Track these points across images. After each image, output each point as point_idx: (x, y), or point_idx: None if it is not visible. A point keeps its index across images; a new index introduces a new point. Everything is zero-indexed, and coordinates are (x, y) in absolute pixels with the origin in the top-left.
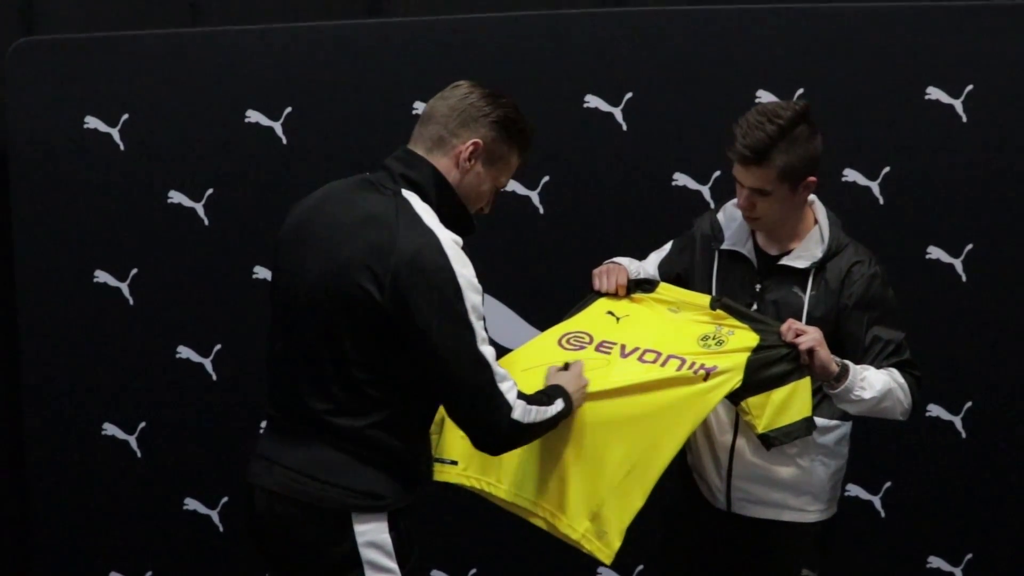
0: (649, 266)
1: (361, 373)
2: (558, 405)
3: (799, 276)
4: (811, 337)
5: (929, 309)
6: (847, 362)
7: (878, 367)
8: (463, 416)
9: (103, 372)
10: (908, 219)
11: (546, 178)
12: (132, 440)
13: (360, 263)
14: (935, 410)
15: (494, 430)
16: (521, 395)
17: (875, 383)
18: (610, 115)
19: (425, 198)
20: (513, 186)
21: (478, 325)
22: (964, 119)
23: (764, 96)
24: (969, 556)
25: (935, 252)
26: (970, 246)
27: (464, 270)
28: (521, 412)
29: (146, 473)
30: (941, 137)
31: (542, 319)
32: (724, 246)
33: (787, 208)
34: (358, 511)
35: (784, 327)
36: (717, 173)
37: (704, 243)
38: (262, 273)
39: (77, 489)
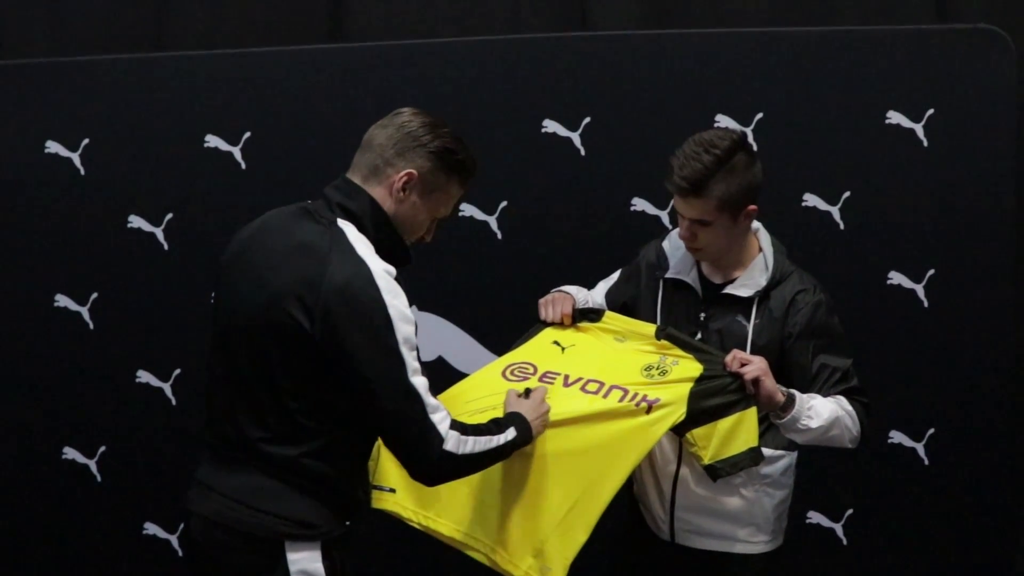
0: (597, 295)
1: (294, 402)
2: (508, 435)
3: (743, 305)
4: (756, 367)
5: (891, 335)
6: (793, 391)
7: (825, 395)
8: (395, 447)
9: (63, 396)
10: (869, 244)
11: (504, 203)
12: (92, 464)
13: (291, 293)
14: (897, 437)
15: (426, 461)
16: (457, 425)
17: (822, 412)
18: (568, 140)
19: (361, 228)
20: (471, 211)
21: (409, 356)
22: (925, 143)
23: (724, 121)
24: None
25: (896, 277)
26: (932, 271)
27: (396, 301)
28: (455, 443)
29: (106, 497)
30: (902, 161)
31: (500, 344)
32: (669, 275)
33: (729, 238)
34: (291, 539)
35: (729, 357)
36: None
37: (649, 272)
38: None
39: (37, 512)
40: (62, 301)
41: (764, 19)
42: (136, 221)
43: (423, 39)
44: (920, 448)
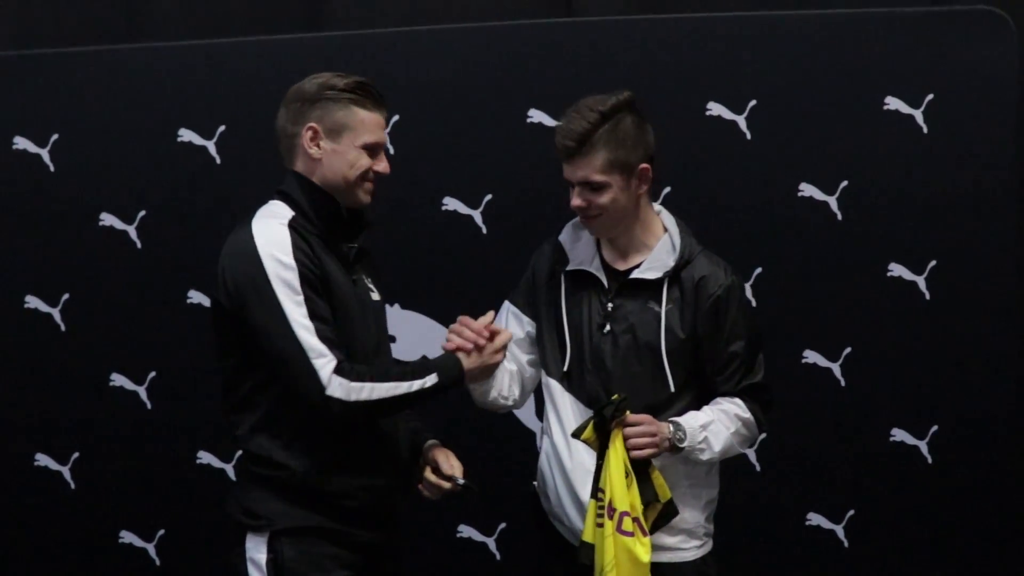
0: (516, 330)
1: (243, 382)
2: (426, 381)
3: (653, 289)
4: (644, 447)
5: (892, 329)
6: (680, 433)
7: (733, 388)
8: (288, 390)
9: (34, 401)
10: (868, 235)
11: (489, 196)
12: (65, 471)
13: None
14: (900, 434)
15: (312, 402)
16: (345, 371)
17: (715, 444)
18: (554, 130)
19: (293, 203)
20: (455, 205)
21: (289, 302)
22: (925, 130)
23: (716, 108)
24: None
25: (897, 269)
26: (933, 262)
27: (272, 248)
28: (343, 390)
29: (80, 505)
30: (901, 149)
31: None
32: (570, 267)
33: (624, 203)
34: (245, 529)
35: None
36: (667, 190)
37: (549, 272)
38: (197, 297)
39: (9, 521)
40: (32, 302)
41: (757, 2)
42: (108, 219)
43: (404, 27)
44: (923, 446)
